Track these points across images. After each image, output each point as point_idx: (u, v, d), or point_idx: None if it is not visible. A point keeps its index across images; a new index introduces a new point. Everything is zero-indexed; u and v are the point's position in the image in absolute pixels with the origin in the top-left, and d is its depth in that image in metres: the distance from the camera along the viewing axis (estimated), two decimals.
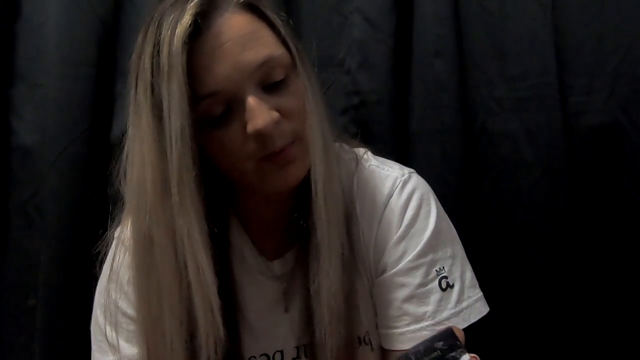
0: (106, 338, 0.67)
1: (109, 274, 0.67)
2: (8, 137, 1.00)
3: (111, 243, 0.68)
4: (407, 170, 0.71)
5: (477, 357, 0.47)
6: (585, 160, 0.90)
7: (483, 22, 0.93)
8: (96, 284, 0.70)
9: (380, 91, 0.95)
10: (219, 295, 0.59)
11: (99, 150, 0.97)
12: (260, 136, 0.58)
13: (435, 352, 0.47)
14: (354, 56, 0.96)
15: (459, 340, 0.48)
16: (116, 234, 0.68)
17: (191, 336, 0.60)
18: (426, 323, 0.64)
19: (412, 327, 0.65)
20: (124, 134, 0.62)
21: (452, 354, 0.47)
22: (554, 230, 0.91)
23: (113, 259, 0.67)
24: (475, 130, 0.94)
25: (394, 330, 0.66)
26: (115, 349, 0.66)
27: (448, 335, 0.48)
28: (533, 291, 0.91)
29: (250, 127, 0.58)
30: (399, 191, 0.68)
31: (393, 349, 0.67)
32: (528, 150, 0.92)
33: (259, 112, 0.57)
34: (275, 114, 0.58)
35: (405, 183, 0.69)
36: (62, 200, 0.96)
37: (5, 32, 1.00)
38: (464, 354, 0.47)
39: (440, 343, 0.47)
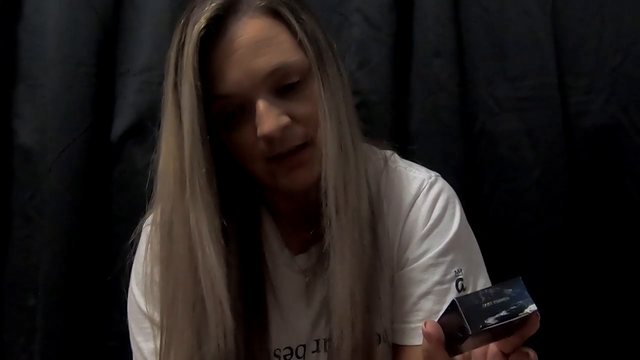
0: (152, 322, 0.67)
1: (145, 256, 0.67)
2: (8, 138, 1.00)
3: (140, 230, 0.71)
4: (433, 173, 0.73)
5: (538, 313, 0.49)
6: (585, 161, 0.90)
7: (483, 22, 0.93)
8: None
9: (380, 91, 0.95)
10: (248, 285, 0.62)
11: (99, 150, 0.97)
12: (269, 140, 0.60)
13: (504, 298, 0.48)
14: (354, 56, 0.96)
15: (527, 291, 0.49)
16: (149, 220, 0.70)
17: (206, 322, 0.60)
18: None
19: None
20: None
21: (520, 301, 0.48)
22: (554, 231, 0.91)
23: (148, 244, 0.68)
24: (475, 130, 0.94)
25: (406, 325, 0.67)
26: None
27: (517, 284, 0.49)
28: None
29: (259, 131, 0.60)
30: (425, 192, 0.70)
31: (403, 344, 0.67)
32: (528, 150, 0.92)
33: (267, 117, 0.60)
34: (285, 119, 0.60)
35: (432, 185, 0.70)
36: (62, 200, 0.95)
37: (6, 32, 0.99)
38: (531, 304, 0.48)
39: (510, 290, 0.49)
